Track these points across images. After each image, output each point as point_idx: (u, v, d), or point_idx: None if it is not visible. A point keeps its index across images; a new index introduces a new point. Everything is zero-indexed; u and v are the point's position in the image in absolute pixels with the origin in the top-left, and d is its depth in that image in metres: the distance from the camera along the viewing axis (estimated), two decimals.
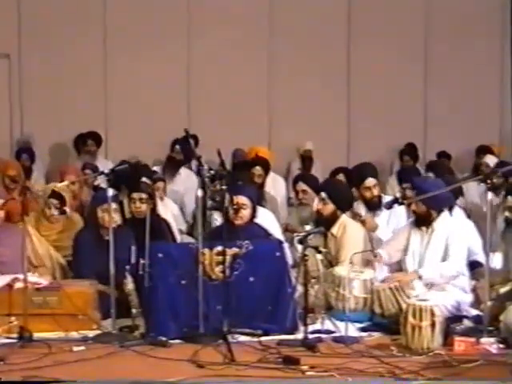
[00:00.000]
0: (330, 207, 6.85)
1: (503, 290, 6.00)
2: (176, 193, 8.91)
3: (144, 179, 7.51)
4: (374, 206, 7.40)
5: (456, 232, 6.43)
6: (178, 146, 9.49)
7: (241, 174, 8.25)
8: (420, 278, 6.31)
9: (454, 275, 6.35)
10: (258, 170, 8.67)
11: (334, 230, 6.78)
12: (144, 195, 6.98)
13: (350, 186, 7.52)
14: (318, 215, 6.88)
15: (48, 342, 5.59)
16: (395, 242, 6.66)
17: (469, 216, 7.62)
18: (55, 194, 7.09)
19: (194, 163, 9.45)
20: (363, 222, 7.12)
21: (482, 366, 5.18)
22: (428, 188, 6.45)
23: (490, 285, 5.76)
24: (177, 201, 8.73)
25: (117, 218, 6.57)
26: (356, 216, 7.18)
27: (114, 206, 6.55)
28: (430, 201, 6.36)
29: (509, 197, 6.56)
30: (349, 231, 6.76)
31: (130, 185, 7.31)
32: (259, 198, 7.55)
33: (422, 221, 6.49)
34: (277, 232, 7.21)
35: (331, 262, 6.65)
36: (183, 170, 9.46)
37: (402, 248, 6.58)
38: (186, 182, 9.25)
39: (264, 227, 6.82)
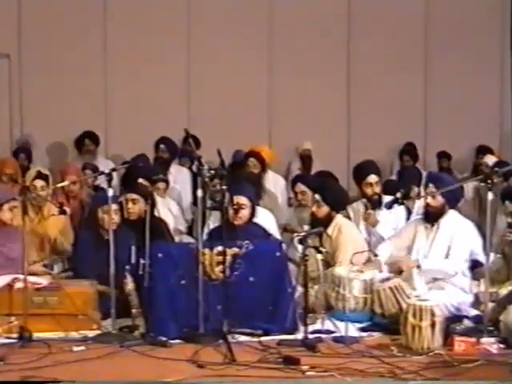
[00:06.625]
0: (324, 209, 6.86)
1: (503, 291, 5.99)
2: (173, 190, 8.89)
3: (141, 180, 7.49)
4: (374, 203, 7.41)
5: (461, 233, 6.45)
6: (162, 145, 9.48)
7: (239, 173, 8.25)
8: (419, 267, 6.34)
9: (451, 274, 6.37)
10: (252, 161, 8.69)
11: (330, 230, 6.80)
12: (136, 196, 6.92)
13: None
14: (313, 217, 6.90)
15: (48, 342, 5.58)
16: (399, 240, 6.68)
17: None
18: (41, 175, 7.06)
19: (194, 163, 9.43)
20: (368, 215, 7.17)
21: (482, 366, 5.18)
22: (450, 182, 6.52)
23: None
24: (175, 199, 8.72)
25: (116, 219, 6.56)
26: (366, 207, 7.28)
27: (114, 206, 6.55)
28: (449, 194, 6.39)
29: (506, 202, 6.58)
30: (344, 231, 6.78)
31: (127, 185, 7.30)
32: (258, 189, 7.56)
33: (433, 216, 6.51)
34: (275, 233, 7.20)
35: (329, 262, 6.65)
36: (172, 167, 9.43)
37: (406, 246, 6.60)
38: (176, 177, 9.22)
39: (264, 227, 6.82)
